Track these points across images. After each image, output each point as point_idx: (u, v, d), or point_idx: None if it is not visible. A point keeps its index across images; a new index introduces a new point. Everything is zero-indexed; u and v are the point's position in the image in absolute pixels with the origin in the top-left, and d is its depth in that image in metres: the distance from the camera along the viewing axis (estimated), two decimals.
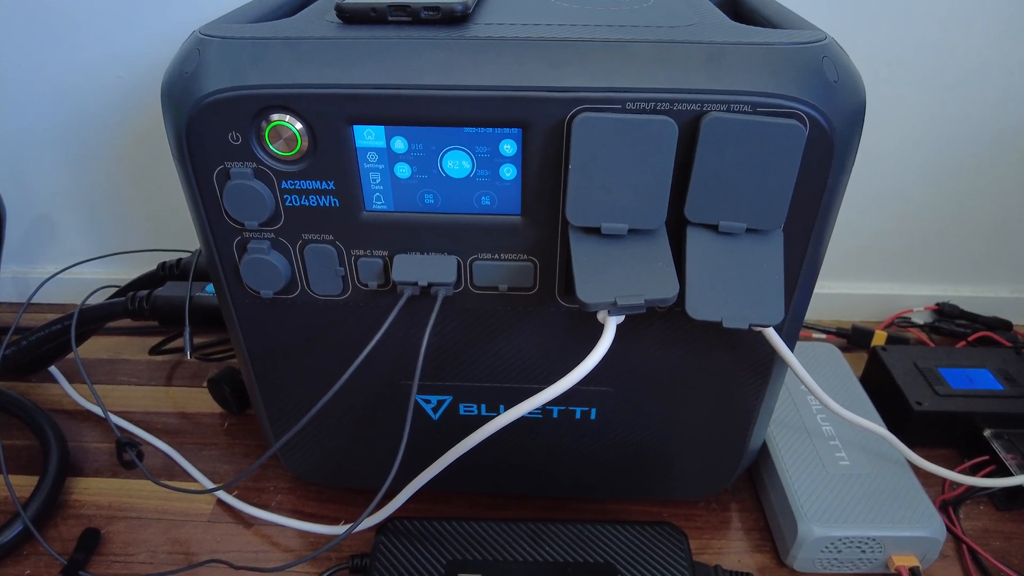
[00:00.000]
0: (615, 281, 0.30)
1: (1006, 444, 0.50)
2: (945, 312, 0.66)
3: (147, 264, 0.58)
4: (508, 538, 0.41)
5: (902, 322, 0.67)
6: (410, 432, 0.34)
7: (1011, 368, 0.54)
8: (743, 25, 0.32)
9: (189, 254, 0.55)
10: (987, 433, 0.51)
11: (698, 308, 0.31)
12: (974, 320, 0.66)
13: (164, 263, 0.55)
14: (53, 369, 0.59)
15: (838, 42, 0.32)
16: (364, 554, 0.42)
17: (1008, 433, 0.50)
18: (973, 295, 0.67)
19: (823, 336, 0.65)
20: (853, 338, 0.64)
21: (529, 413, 0.33)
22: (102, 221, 0.67)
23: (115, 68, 0.58)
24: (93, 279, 0.66)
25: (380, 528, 0.42)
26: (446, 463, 0.36)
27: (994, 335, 0.63)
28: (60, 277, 0.57)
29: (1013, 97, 0.57)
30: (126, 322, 0.53)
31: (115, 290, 0.58)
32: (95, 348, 0.64)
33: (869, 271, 0.67)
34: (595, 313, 0.31)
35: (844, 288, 0.68)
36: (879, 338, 0.63)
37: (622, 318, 0.31)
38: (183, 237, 0.66)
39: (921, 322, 0.67)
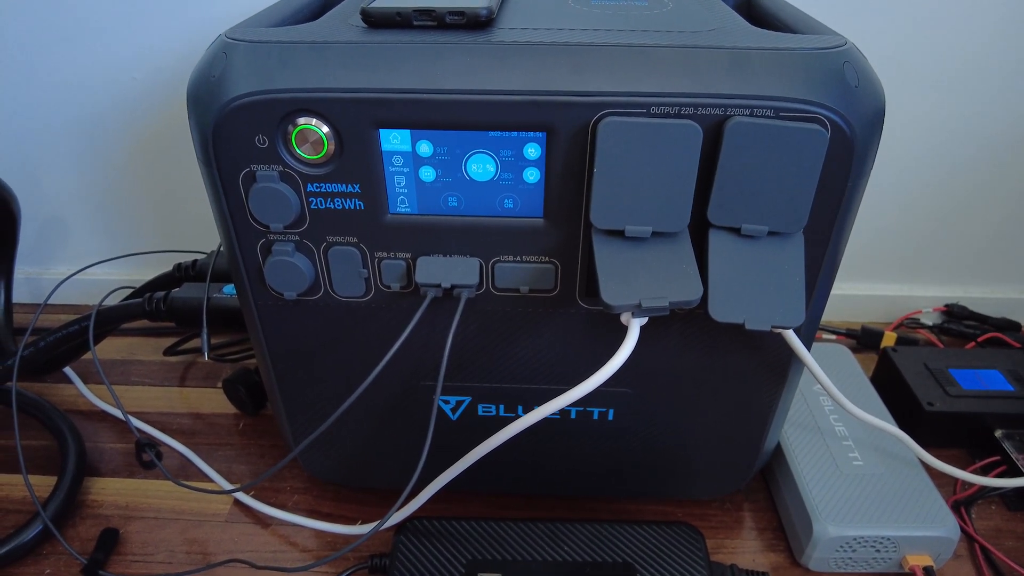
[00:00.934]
0: (639, 283, 0.30)
1: (1017, 444, 0.50)
2: (954, 313, 0.67)
3: (162, 265, 0.58)
4: (527, 538, 0.41)
5: (911, 323, 0.67)
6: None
7: (1021, 369, 0.54)
8: (763, 30, 0.33)
9: (205, 255, 0.55)
10: (998, 434, 0.51)
11: (721, 310, 0.31)
12: (983, 321, 0.66)
13: (180, 264, 0.56)
14: (68, 370, 0.59)
15: (857, 46, 0.32)
16: (384, 554, 0.42)
17: (1019, 434, 0.51)
18: (982, 296, 0.68)
19: (833, 337, 0.66)
20: (863, 339, 0.64)
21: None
22: (116, 222, 0.67)
23: (130, 69, 0.58)
24: (108, 280, 0.66)
25: (399, 528, 0.42)
26: (468, 463, 0.36)
27: (1003, 336, 0.63)
28: (75, 278, 0.58)
29: (1023, 97, 0.57)
30: (140, 323, 0.53)
31: (130, 291, 0.58)
32: (109, 349, 0.64)
33: (878, 272, 0.68)
34: (618, 315, 0.31)
35: (853, 289, 0.68)
36: (889, 339, 0.63)
37: (645, 320, 0.31)
38: (198, 238, 0.67)
39: (930, 323, 0.67)
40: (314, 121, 0.31)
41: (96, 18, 0.56)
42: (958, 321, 0.66)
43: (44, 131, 0.62)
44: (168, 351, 0.63)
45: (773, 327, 0.31)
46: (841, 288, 0.68)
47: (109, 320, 0.52)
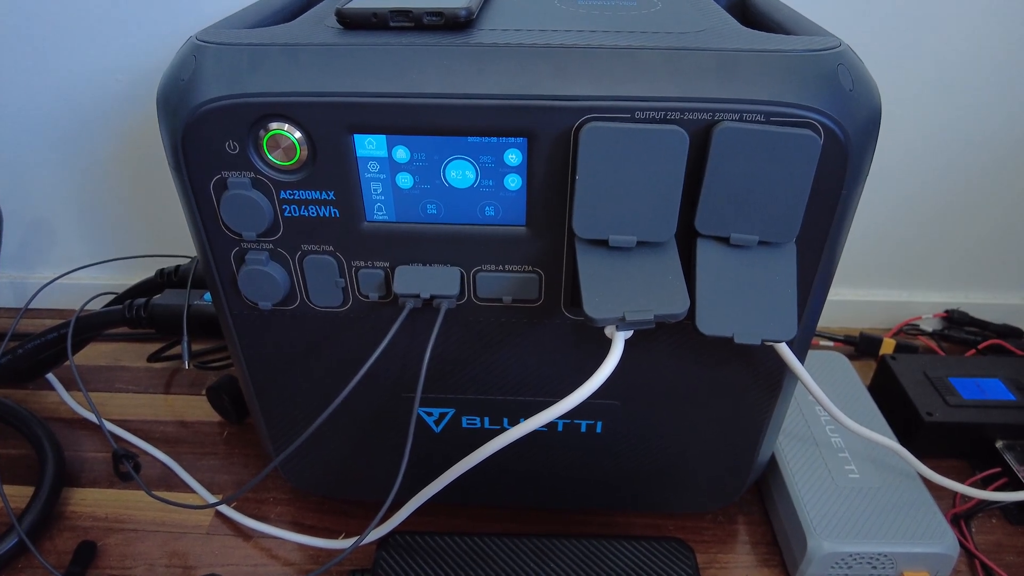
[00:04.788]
0: (623, 295, 0.29)
1: (1018, 456, 0.49)
2: (954, 319, 0.65)
3: (145, 270, 0.57)
4: (512, 554, 0.40)
5: (911, 329, 0.66)
6: (412, 445, 0.34)
7: (1023, 378, 0.53)
8: (754, 31, 0.32)
9: (187, 260, 0.54)
10: (999, 444, 0.50)
11: (709, 323, 0.30)
12: (984, 328, 0.65)
13: (162, 270, 0.54)
14: (50, 376, 0.58)
15: (852, 48, 0.31)
16: (365, 569, 0.41)
17: (1021, 444, 0.49)
18: (983, 302, 0.66)
19: (830, 344, 0.64)
20: (861, 346, 0.63)
21: None
22: (100, 226, 0.66)
23: (113, 71, 0.57)
24: (91, 284, 0.65)
25: (381, 543, 0.41)
26: (452, 477, 0.35)
27: (1005, 343, 0.62)
28: (58, 282, 0.57)
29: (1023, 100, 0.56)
30: (125, 328, 0.52)
31: (113, 296, 0.57)
32: (93, 354, 0.63)
33: (877, 277, 0.66)
34: (602, 328, 0.30)
35: (852, 295, 0.67)
36: (887, 346, 0.62)
37: (630, 333, 0.30)
38: (181, 243, 0.65)
39: (930, 329, 0.66)
40: (286, 126, 0.30)
41: (78, 20, 0.55)
42: (958, 327, 0.65)
43: (27, 133, 0.61)
44: (152, 357, 0.62)
45: (764, 341, 0.30)
46: (839, 294, 0.67)
47: (89, 327, 0.51)
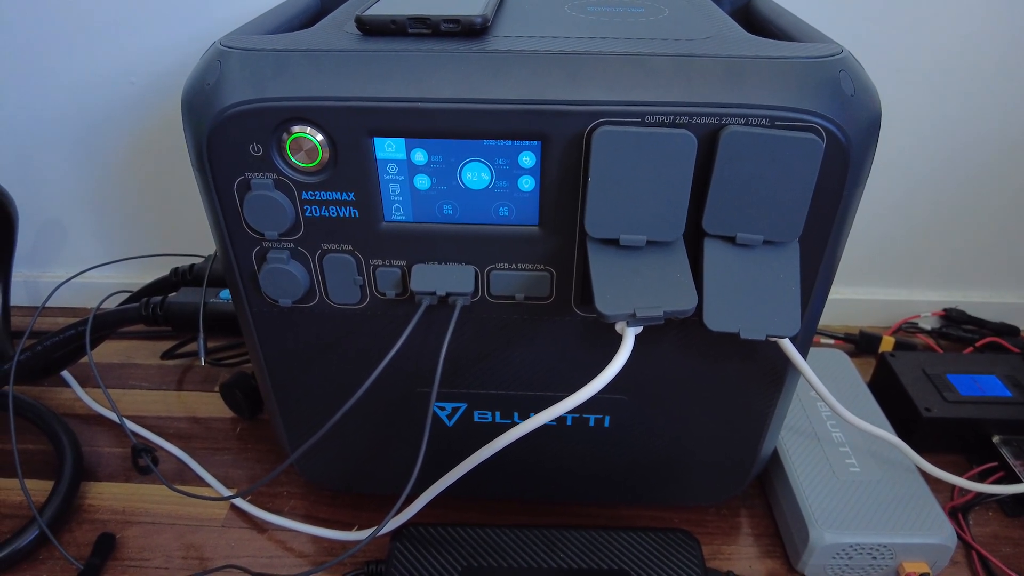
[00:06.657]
0: (634, 292, 0.30)
1: (1015, 450, 0.50)
2: (952, 318, 0.67)
3: (159, 269, 0.58)
4: (523, 545, 0.41)
5: (909, 327, 0.67)
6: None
7: (1019, 374, 0.54)
8: (759, 38, 0.33)
9: (202, 259, 0.55)
10: (996, 439, 0.51)
11: (716, 319, 0.31)
12: (981, 326, 0.66)
13: (177, 268, 0.55)
14: (65, 373, 0.59)
15: (852, 53, 0.32)
16: (380, 560, 0.42)
17: (1017, 439, 0.51)
18: (980, 301, 0.67)
19: (831, 342, 0.65)
20: (861, 343, 0.64)
21: None
22: (114, 225, 0.67)
23: (127, 73, 0.58)
24: (105, 283, 0.66)
25: (395, 534, 0.42)
26: (464, 470, 0.36)
27: (1002, 341, 0.63)
28: (73, 281, 0.58)
29: (1021, 103, 0.57)
30: (137, 326, 0.53)
31: (127, 295, 0.58)
32: (107, 352, 0.64)
33: (877, 276, 0.67)
34: (613, 324, 0.31)
35: (852, 293, 0.68)
36: (887, 344, 0.63)
37: (640, 329, 0.31)
38: (196, 242, 0.67)
39: (928, 328, 0.67)
40: (308, 129, 0.31)
41: (93, 22, 0.56)
42: (956, 325, 0.66)
43: (42, 134, 0.62)
44: (166, 355, 0.63)
45: (768, 336, 0.31)
46: (840, 292, 0.68)
47: (106, 325, 0.52)
